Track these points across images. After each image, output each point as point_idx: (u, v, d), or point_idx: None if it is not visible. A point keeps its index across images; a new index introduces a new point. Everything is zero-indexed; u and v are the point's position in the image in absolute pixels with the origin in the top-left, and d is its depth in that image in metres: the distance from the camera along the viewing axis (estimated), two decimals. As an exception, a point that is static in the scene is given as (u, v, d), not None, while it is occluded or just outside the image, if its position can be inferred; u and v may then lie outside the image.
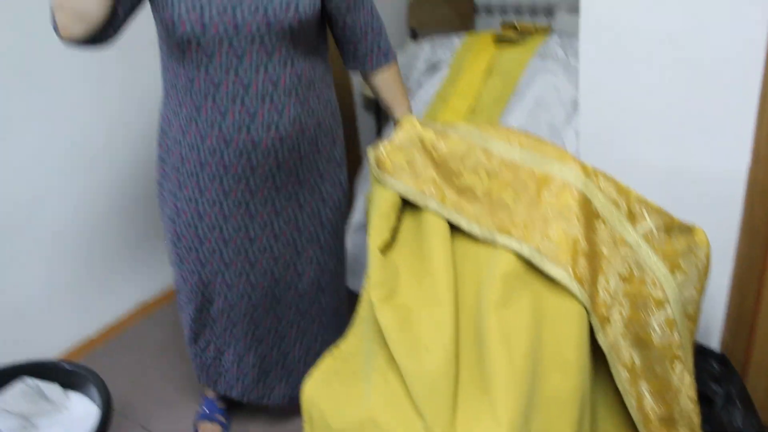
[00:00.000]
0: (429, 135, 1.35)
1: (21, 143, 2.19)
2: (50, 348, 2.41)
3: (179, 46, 1.46)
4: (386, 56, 1.66)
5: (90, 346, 2.52)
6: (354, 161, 3.20)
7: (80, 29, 1.39)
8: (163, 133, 1.63)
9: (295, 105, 1.52)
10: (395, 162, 1.37)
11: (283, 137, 1.53)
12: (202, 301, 1.75)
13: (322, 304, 1.83)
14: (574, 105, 2.00)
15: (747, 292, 1.64)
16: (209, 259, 1.67)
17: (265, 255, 1.67)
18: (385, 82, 1.68)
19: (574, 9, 2.96)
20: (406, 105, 1.71)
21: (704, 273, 1.36)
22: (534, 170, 1.29)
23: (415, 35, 3.80)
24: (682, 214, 1.39)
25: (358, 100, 3.63)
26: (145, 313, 2.71)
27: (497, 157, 1.32)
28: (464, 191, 1.32)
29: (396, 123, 1.72)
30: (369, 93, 3.53)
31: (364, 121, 3.72)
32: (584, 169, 1.27)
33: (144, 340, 2.54)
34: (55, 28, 1.42)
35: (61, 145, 2.30)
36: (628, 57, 1.58)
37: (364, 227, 2.24)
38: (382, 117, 3.73)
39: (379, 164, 1.38)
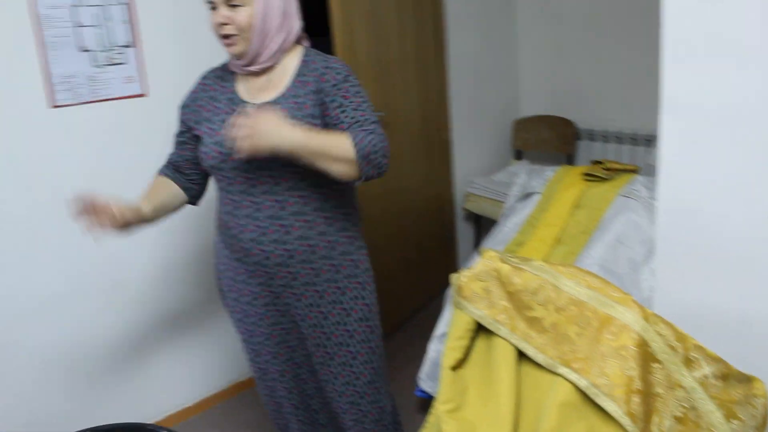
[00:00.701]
0: (505, 269, 1.51)
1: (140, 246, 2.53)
2: (150, 412, 2.70)
3: (211, 173, 1.79)
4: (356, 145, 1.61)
5: (185, 414, 2.79)
6: (452, 271, 3.36)
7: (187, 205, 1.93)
8: (216, 244, 1.91)
9: (303, 226, 1.73)
10: (473, 290, 1.53)
11: (292, 252, 1.73)
12: (261, 385, 2.02)
13: (362, 411, 1.95)
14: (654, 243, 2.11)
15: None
16: (258, 350, 1.92)
17: (300, 346, 1.88)
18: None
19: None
20: (314, 135, 1.59)
21: (762, 423, 1.41)
22: (598, 310, 1.41)
23: (519, 155, 4.01)
24: (751, 362, 1.45)
25: (458, 213, 3.83)
26: (238, 389, 2.98)
27: (566, 294, 1.46)
28: (533, 322, 1.46)
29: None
30: (469, 207, 3.74)
31: (464, 232, 3.90)
32: (644, 313, 1.38)
33: (234, 416, 2.77)
34: None
35: (180, 240, 2.63)
36: (704, 208, 1.68)
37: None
38: (481, 229, 3.91)
39: (459, 291, 1.55)
